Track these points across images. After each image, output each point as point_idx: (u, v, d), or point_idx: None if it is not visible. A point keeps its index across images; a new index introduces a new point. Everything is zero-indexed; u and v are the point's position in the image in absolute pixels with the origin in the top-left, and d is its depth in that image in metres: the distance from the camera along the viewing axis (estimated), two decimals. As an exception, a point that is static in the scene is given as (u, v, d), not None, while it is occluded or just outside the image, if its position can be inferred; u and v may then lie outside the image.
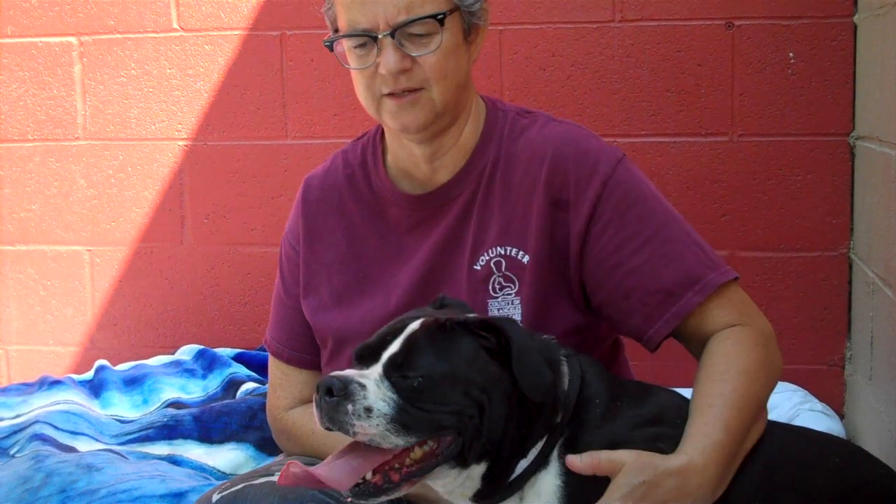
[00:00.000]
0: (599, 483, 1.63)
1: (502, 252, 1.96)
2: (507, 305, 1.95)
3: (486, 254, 1.97)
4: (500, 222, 1.97)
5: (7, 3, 3.63)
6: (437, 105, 1.92)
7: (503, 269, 1.96)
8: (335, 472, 1.59)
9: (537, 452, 1.67)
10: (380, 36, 1.87)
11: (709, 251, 1.95)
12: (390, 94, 1.91)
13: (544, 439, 1.67)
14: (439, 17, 1.87)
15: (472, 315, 1.75)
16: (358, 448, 1.61)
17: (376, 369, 1.62)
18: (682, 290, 1.88)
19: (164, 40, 3.55)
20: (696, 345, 1.90)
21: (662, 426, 1.73)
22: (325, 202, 2.11)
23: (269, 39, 3.48)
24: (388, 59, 1.87)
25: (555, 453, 1.67)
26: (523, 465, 1.67)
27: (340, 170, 2.12)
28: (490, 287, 1.96)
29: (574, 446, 1.67)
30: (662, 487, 1.62)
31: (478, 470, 1.66)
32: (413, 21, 1.86)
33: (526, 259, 1.95)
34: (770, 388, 1.84)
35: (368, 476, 1.60)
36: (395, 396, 1.58)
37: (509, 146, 2.01)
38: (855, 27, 3.09)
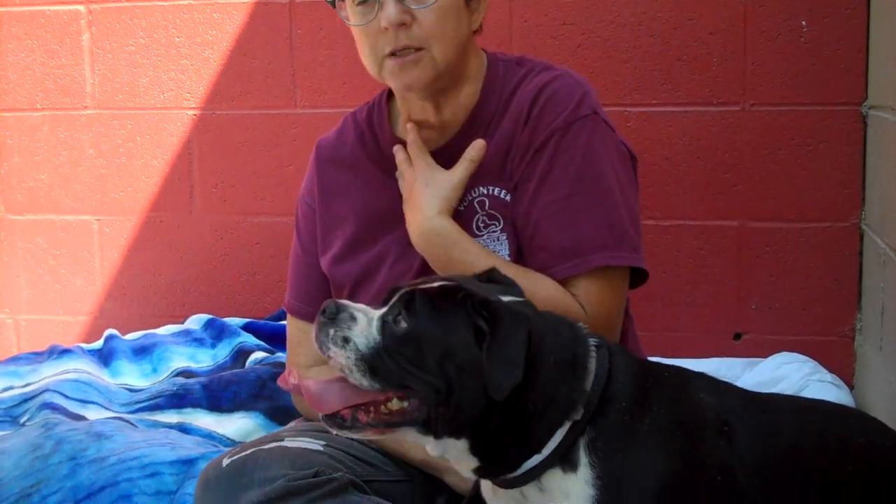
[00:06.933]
0: (640, 496, 1.57)
1: (485, 192, 2.01)
2: (493, 242, 2.00)
3: (469, 194, 2.01)
4: (485, 164, 2.00)
5: (15, -29, 3.62)
6: (438, 64, 1.96)
7: (486, 208, 2.01)
8: (325, 393, 1.62)
9: (554, 447, 1.61)
10: None
11: (622, 232, 1.94)
12: (392, 55, 1.94)
13: (563, 435, 1.61)
14: None
15: (507, 297, 1.68)
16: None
17: (382, 310, 1.63)
18: (563, 259, 1.92)
19: (172, 8, 3.53)
20: None
21: (703, 433, 1.64)
22: (338, 160, 2.16)
23: (277, 7, 3.46)
24: (388, 10, 1.91)
25: (583, 458, 1.60)
26: (537, 458, 1.61)
27: (351, 130, 2.17)
28: (474, 225, 2.01)
29: (595, 448, 1.60)
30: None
31: (459, 445, 1.62)
32: None
33: (509, 197, 1.99)
34: None
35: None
36: (378, 338, 1.59)
37: (507, 98, 2.04)
38: (868, -5, 3.06)
